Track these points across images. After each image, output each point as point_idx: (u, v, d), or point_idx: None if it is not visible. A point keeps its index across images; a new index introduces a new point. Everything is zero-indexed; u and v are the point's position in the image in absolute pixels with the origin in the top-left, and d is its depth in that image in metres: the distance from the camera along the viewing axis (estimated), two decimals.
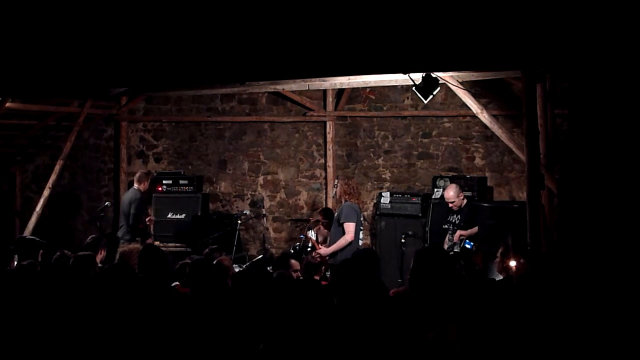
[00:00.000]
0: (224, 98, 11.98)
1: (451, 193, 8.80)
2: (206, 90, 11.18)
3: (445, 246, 8.61)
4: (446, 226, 9.01)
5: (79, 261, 6.29)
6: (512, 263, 6.06)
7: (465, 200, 8.86)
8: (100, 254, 7.80)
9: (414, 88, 7.88)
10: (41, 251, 8.77)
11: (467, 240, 6.44)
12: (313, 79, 9.55)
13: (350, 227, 8.77)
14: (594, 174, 8.67)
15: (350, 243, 8.74)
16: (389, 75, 8.93)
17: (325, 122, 11.48)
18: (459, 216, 8.73)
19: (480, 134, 10.61)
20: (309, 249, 9.25)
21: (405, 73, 7.65)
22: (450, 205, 8.84)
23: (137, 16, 7.09)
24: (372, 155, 11.38)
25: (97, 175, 12.53)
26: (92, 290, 5.78)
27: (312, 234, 9.48)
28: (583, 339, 4.71)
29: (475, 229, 8.42)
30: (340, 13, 6.65)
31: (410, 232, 9.43)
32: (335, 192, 9.33)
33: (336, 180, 9.45)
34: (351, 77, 9.44)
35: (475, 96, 9.02)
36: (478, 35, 6.64)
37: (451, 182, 9.69)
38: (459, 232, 8.49)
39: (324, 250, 8.82)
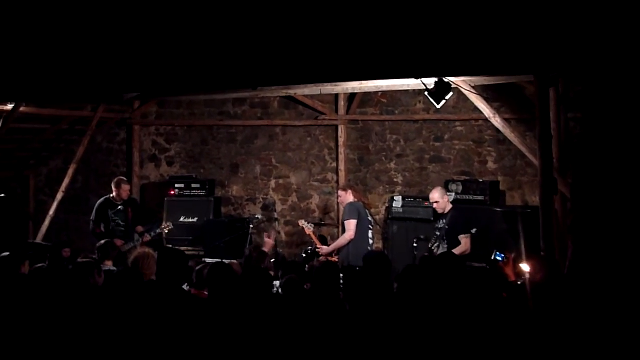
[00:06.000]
0: (236, 102, 12.01)
1: (436, 195, 8.77)
2: (218, 94, 11.22)
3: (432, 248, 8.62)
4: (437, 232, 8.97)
5: (79, 268, 6.27)
6: (525, 268, 6.02)
7: (450, 205, 8.83)
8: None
9: (426, 93, 7.86)
10: (48, 254, 8.87)
11: (498, 252, 6.29)
12: (325, 84, 9.57)
13: (350, 224, 8.97)
14: (608, 178, 8.61)
15: (354, 241, 8.92)
16: (402, 80, 8.93)
17: (337, 126, 11.48)
18: (444, 220, 8.71)
19: (493, 137, 10.58)
20: (317, 249, 9.30)
21: (417, 78, 7.64)
22: (434, 206, 8.81)
23: (150, 23, 7.11)
24: (384, 159, 11.37)
25: (110, 179, 12.38)
26: (96, 297, 5.79)
27: (309, 226, 9.50)
28: (598, 346, 4.69)
29: (462, 247, 8.38)
30: (353, 19, 6.64)
31: (422, 237, 9.39)
32: (339, 200, 9.69)
33: (339, 192, 9.62)
34: (363, 81, 9.44)
35: (488, 100, 9.00)
36: (490, 40, 6.62)
37: (462, 186, 9.78)
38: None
39: (325, 249, 9.03)
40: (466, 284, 5.53)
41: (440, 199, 8.72)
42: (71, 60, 7.57)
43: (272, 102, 11.86)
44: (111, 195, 10.08)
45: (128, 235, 9.86)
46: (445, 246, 8.46)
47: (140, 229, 10.02)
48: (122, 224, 9.97)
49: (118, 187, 10.04)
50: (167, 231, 10.29)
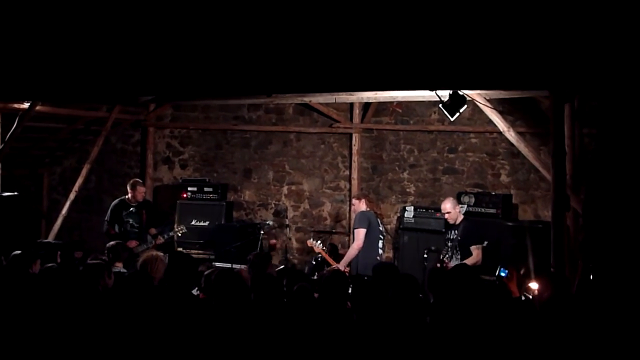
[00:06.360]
0: (251, 107, 12.04)
1: (448, 205, 8.77)
2: (233, 100, 11.25)
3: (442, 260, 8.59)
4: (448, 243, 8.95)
5: (89, 270, 6.29)
6: (534, 285, 6.00)
7: (462, 216, 8.81)
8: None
9: (440, 105, 7.85)
10: (59, 252, 8.90)
11: (502, 268, 6.27)
12: (340, 93, 9.57)
13: (359, 233, 8.98)
14: (621, 195, 8.56)
15: (363, 250, 8.92)
16: (416, 92, 8.91)
17: (351, 134, 11.47)
18: (455, 231, 8.69)
19: (507, 150, 10.54)
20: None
21: (432, 90, 7.63)
22: (446, 216, 8.79)
23: (167, 27, 7.14)
24: (397, 168, 11.36)
25: (124, 180, 12.54)
26: (105, 299, 5.82)
27: (319, 244, 9.47)
28: None
29: (473, 257, 8.35)
30: (370, 29, 6.64)
31: (433, 248, 9.36)
32: (353, 209, 9.72)
33: (354, 200, 9.65)
34: (378, 91, 9.43)
35: (503, 113, 8.97)
36: (506, 54, 6.60)
37: (475, 198, 9.77)
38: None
39: (337, 266, 8.93)
40: (478, 297, 5.52)
41: (452, 209, 8.72)
42: (88, 62, 7.60)
43: (287, 109, 11.88)
44: (126, 197, 10.11)
45: (141, 237, 9.89)
46: (459, 257, 8.45)
47: (153, 231, 10.05)
48: (136, 225, 10.00)
49: (133, 188, 10.08)
50: (180, 234, 10.35)
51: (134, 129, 12.71)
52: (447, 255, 8.61)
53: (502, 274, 6.15)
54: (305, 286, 6.17)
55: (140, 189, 10.13)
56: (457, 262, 8.26)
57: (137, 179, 10.56)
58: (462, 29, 6.59)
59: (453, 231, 8.74)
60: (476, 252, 8.37)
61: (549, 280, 5.49)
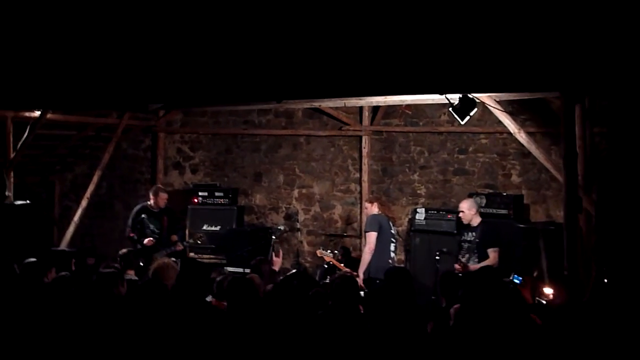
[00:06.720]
0: (261, 111, 12.04)
1: (464, 205, 8.78)
2: (242, 106, 11.26)
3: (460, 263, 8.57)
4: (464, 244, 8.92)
5: (103, 279, 6.30)
6: (548, 290, 5.98)
7: (479, 219, 8.78)
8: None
9: (450, 109, 7.83)
10: (73, 260, 8.93)
11: (516, 275, 6.24)
12: (349, 98, 9.57)
13: (370, 237, 9.03)
14: (634, 194, 8.53)
15: (375, 253, 8.95)
16: (426, 95, 8.90)
17: (361, 137, 11.46)
18: (473, 234, 8.68)
19: (517, 151, 10.50)
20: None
21: (441, 94, 7.61)
22: (460, 214, 8.81)
23: (177, 35, 7.16)
24: (407, 170, 11.34)
25: (135, 186, 12.67)
26: (119, 307, 5.84)
27: (328, 253, 9.47)
28: None
29: (490, 260, 8.32)
30: (378, 34, 6.64)
31: (444, 249, 9.33)
32: (365, 212, 9.76)
33: (366, 204, 9.71)
34: (388, 96, 9.42)
35: (512, 114, 8.94)
36: (516, 57, 6.58)
37: (486, 199, 9.75)
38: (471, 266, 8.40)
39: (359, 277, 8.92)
40: (501, 300, 5.48)
41: (466, 210, 8.73)
42: (97, 70, 7.63)
43: (297, 112, 11.88)
44: (148, 203, 10.23)
45: (162, 243, 9.97)
46: (476, 260, 8.45)
47: (174, 238, 10.15)
48: (157, 231, 10.10)
49: (156, 195, 10.20)
50: (199, 242, 10.50)
51: (145, 134, 12.72)
52: (464, 257, 8.62)
53: (516, 281, 6.13)
54: (321, 292, 6.17)
55: (163, 196, 10.25)
56: (475, 264, 8.30)
57: (160, 186, 10.68)
58: (471, 32, 6.58)
59: (470, 233, 8.72)
60: (493, 254, 8.36)
61: (562, 284, 5.46)
